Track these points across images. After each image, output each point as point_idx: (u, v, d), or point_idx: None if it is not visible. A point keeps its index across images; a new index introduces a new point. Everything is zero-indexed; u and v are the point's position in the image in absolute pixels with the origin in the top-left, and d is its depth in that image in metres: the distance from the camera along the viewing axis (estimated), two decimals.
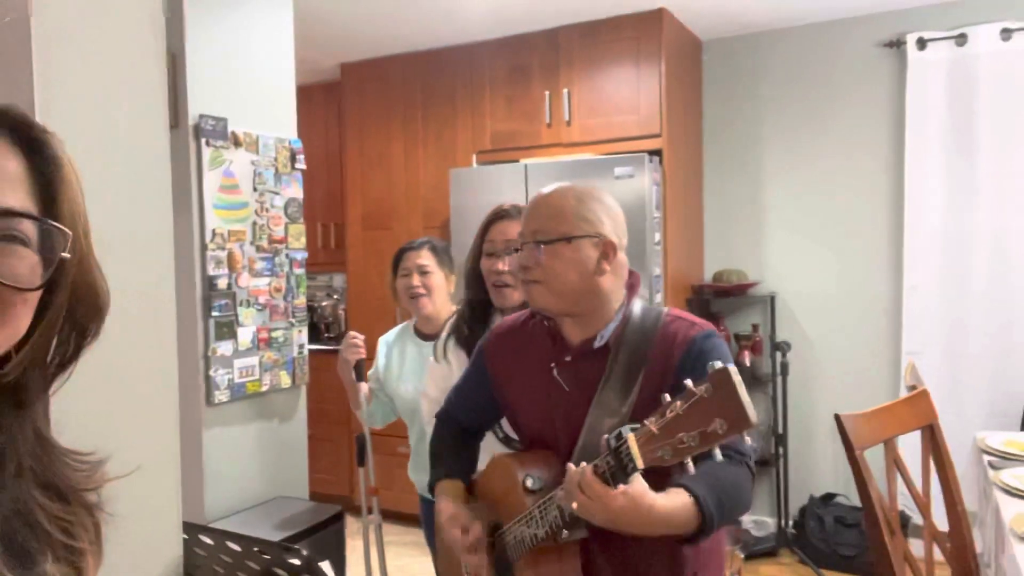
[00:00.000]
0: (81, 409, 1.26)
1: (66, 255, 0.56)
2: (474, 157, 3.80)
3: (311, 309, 4.41)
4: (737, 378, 1.01)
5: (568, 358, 1.33)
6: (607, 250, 1.29)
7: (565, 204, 1.30)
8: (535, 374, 1.37)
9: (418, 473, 2.22)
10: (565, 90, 3.53)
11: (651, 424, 1.04)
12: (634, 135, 3.40)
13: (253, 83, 2.43)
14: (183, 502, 1.33)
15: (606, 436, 1.10)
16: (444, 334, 1.84)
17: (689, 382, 1.03)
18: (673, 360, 1.25)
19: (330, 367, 4.16)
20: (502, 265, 1.66)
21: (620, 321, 1.30)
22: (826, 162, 3.62)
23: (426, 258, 2.11)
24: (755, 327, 3.69)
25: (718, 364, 1.02)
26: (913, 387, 2.19)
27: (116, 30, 1.30)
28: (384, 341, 2.27)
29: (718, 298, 3.68)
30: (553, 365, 1.34)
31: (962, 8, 3.31)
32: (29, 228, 0.55)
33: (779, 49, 3.69)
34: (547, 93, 3.57)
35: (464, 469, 1.51)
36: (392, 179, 4.05)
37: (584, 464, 1.11)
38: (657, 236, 3.29)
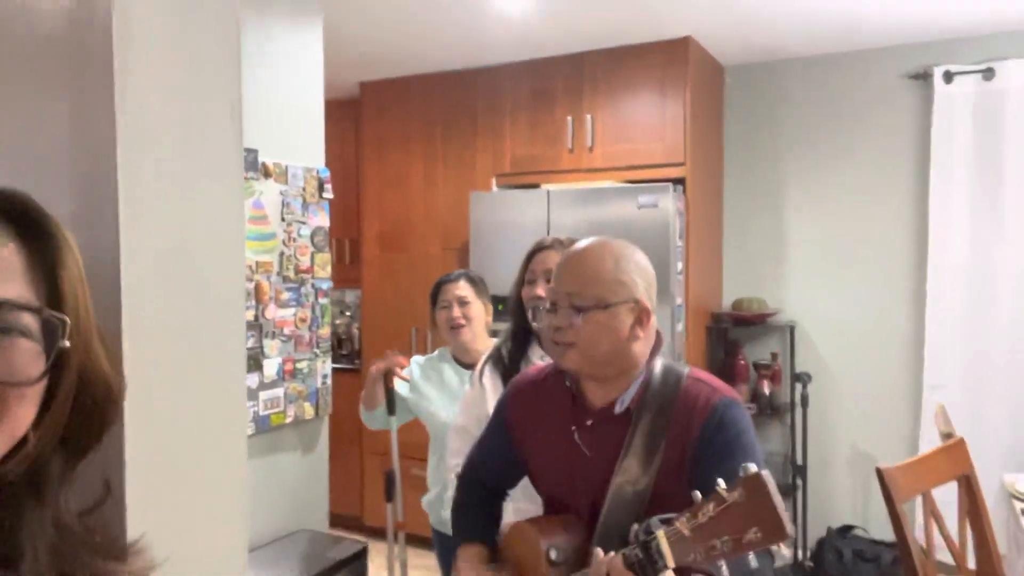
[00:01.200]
0: (152, 454, 1.24)
1: (65, 344, 0.54)
2: (494, 180, 3.78)
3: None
4: (772, 486, 0.99)
5: (589, 422, 1.32)
6: (642, 316, 1.28)
7: (602, 267, 1.28)
8: (555, 435, 1.36)
9: (435, 505, 2.21)
10: (588, 115, 3.51)
11: (682, 525, 1.04)
12: (658, 163, 3.38)
13: (283, 112, 2.41)
14: None
15: (635, 527, 1.10)
16: (483, 358, 1.87)
17: (721, 484, 1.02)
18: (694, 427, 1.24)
19: (343, 385, 4.15)
20: (540, 291, 1.71)
21: (641, 384, 1.29)
22: (849, 192, 3.60)
23: (464, 289, 2.18)
24: (774, 356, 3.67)
25: (752, 468, 1.01)
26: (948, 435, 2.17)
27: (197, 74, 1.30)
28: (416, 363, 2.31)
29: (737, 326, 3.66)
30: (574, 428, 1.33)
31: (990, 42, 3.30)
32: (28, 318, 0.53)
33: (803, 77, 3.68)
34: (570, 118, 3.55)
35: (488, 533, 1.49)
36: (410, 199, 4.02)
37: (612, 554, 1.11)
38: (680, 265, 3.27)
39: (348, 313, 4.62)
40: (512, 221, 3.50)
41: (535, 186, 3.65)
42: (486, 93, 3.78)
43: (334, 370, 4.12)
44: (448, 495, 2.15)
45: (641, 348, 1.29)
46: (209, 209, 1.36)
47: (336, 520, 4.12)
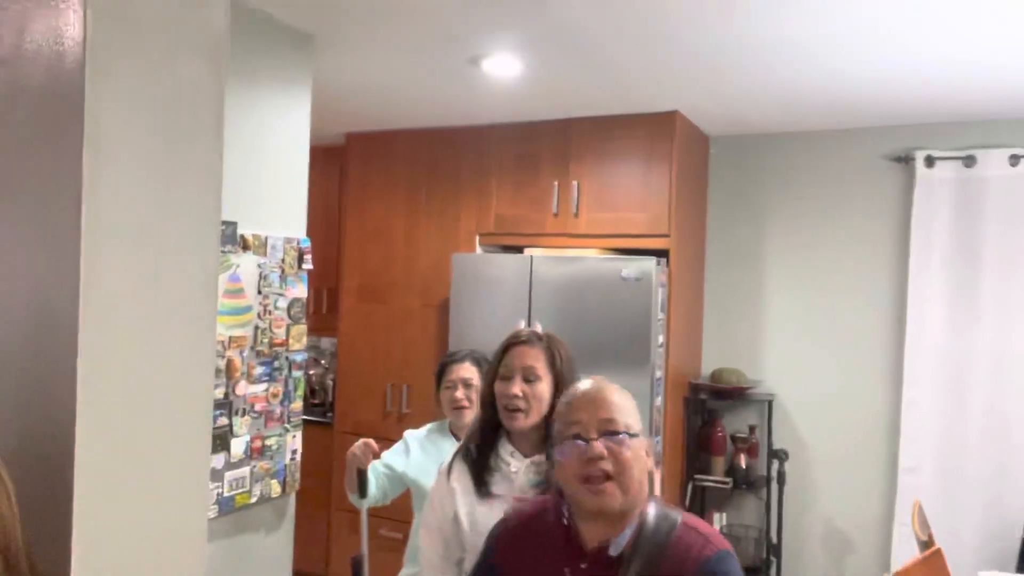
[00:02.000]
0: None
1: None
2: (477, 238, 3.75)
3: None
4: None
5: (583, 565, 1.28)
6: (650, 448, 1.31)
7: (624, 399, 1.31)
8: (544, 572, 1.32)
9: (411, 567, 2.16)
10: (575, 182, 3.50)
11: None
12: (642, 232, 3.37)
13: (267, 183, 2.36)
14: None
15: None
16: (450, 455, 1.79)
17: None
18: None
19: (314, 438, 4.05)
20: (516, 389, 1.65)
21: (636, 527, 1.26)
22: (829, 268, 3.62)
23: (469, 371, 2.22)
24: (752, 428, 3.65)
25: None
26: (926, 543, 2.15)
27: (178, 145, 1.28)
28: (414, 437, 2.31)
29: (715, 398, 3.64)
30: (567, 571, 1.29)
31: (972, 129, 3.35)
32: None
33: (787, 152, 3.71)
34: (556, 183, 3.54)
35: None
36: (391, 253, 3.98)
37: None
38: (660, 338, 3.25)
39: (323, 362, 4.54)
40: (494, 282, 3.47)
41: (518, 248, 3.62)
42: (472, 152, 3.76)
43: (306, 422, 4.04)
44: None
45: (646, 484, 1.30)
46: (180, 291, 1.32)
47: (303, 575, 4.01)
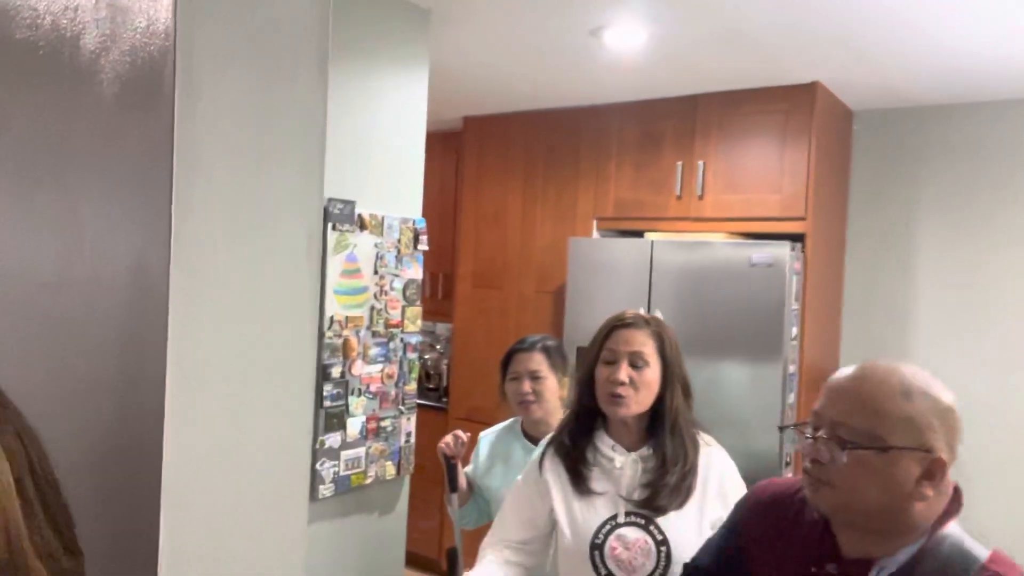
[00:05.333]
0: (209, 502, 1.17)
1: None
2: (594, 223, 3.61)
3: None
4: None
5: (834, 572, 1.06)
6: (934, 469, 0.99)
7: (886, 396, 1.01)
8: (791, 567, 1.12)
9: None
10: (700, 161, 3.29)
11: None
12: (775, 215, 3.12)
13: (384, 162, 2.34)
14: None
15: None
16: (542, 445, 1.67)
17: None
18: None
19: (428, 422, 4.07)
20: (622, 375, 1.51)
21: (916, 553, 1.01)
22: (991, 257, 3.22)
23: (538, 362, 2.01)
24: None
25: None
26: None
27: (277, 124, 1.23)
28: (486, 440, 2.15)
29: None
30: (814, 571, 1.08)
31: None
32: None
33: (944, 126, 3.32)
34: (680, 163, 3.34)
35: None
36: (507, 237, 3.91)
37: None
38: (794, 330, 3.00)
39: (438, 347, 4.55)
40: (612, 268, 3.33)
41: (638, 233, 3.46)
42: (591, 133, 3.62)
43: (420, 407, 4.06)
44: None
45: (925, 509, 1.01)
46: (280, 274, 1.27)
47: (415, 560, 4.04)
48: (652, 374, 1.53)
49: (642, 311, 1.63)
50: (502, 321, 3.90)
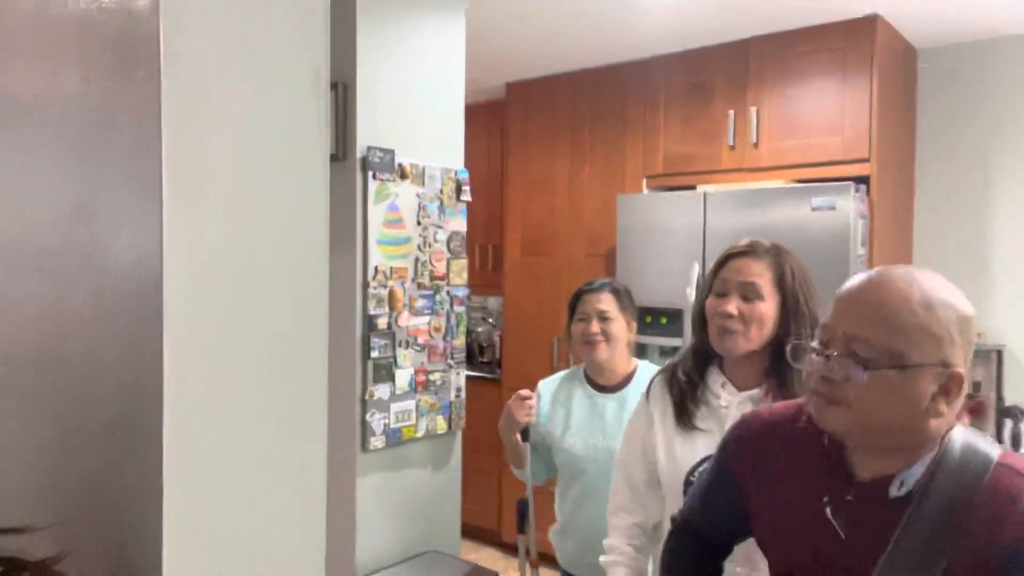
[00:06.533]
0: (223, 444, 1.12)
1: None
2: (644, 181, 3.51)
3: (466, 332, 4.32)
4: None
5: (849, 497, 1.00)
6: (951, 385, 0.93)
7: (907, 309, 0.93)
8: (799, 500, 1.05)
9: (563, 539, 2.00)
10: (753, 108, 3.15)
11: None
12: (837, 159, 2.96)
13: (423, 112, 2.30)
14: (335, 553, 1.19)
15: None
16: (653, 376, 1.59)
17: None
18: (1003, 536, 0.89)
19: (482, 394, 4.03)
20: (731, 307, 1.40)
21: (932, 462, 0.96)
22: None
23: (607, 303, 1.93)
24: (977, 385, 3.11)
25: None
26: None
27: (267, 55, 1.17)
28: (546, 388, 2.07)
29: None
30: (827, 500, 1.01)
31: None
32: None
33: (1016, 60, 3.10)
34: (731, 112, 3.21)
35: None
36: (555, 203, 3.84)
37: None
38: None
39: (491, 320, 4.52)
40: (664, 226, 3.22)
41: (690, 187, 3.34)
42: (637, 88, 3.52)
43: (474, 379, 4.03)
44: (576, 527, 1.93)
45: (940, 424, 0.96)
46: (283, 202, 1.18)
47: (472, 532, 4.02)
48: (767, 308, 1.40)
49: (765, 241, 1.48)
50: (553, 287, 3.84)
